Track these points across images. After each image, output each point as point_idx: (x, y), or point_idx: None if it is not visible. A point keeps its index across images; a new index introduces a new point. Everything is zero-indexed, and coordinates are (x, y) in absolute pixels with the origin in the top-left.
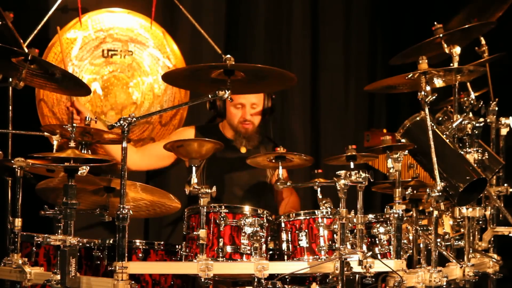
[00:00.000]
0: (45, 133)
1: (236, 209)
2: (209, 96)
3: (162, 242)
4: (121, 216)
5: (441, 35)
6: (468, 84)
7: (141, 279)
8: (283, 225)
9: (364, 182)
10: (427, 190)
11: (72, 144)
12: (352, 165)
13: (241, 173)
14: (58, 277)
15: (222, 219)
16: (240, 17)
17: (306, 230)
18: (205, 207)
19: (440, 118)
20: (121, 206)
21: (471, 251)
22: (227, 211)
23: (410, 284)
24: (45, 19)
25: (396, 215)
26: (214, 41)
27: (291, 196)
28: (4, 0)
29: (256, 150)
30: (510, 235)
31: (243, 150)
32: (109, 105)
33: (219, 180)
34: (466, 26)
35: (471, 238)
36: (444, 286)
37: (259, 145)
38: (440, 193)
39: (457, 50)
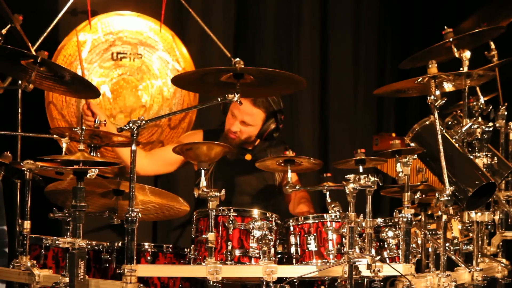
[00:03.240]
0: (54, 136)
1: (245, 213)
2: (218, 99)
3: (170, 245)
4: (130, 219)
5: (451, 39)
6: (478, 88)
7: (150, 282)
8: (291, 228)
9: (373, 186)
10: (436, 194)
11: (81, 146)
12: (361, 169)
13: (250, 176)
14: (67, 279)
15: (231, 222)
16: (249, 20)
17: (315, 234)
18: (214, 210)
19: (450, 123)
20: (130, 209)
21: (479, 255)
22: (236, 214)
23: None
24: (54, 22)
25: (405, 219)
26: (224, 44)
27: (298, 192)
28: (13, 3)
29: (264, 154)
30: None
31: (248, 157)
32: (118, 108)
33: (228, 184)
34: (476, 30)
35: (480, 242)
36: None
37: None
38: (449, 198)
39: (467, 54)
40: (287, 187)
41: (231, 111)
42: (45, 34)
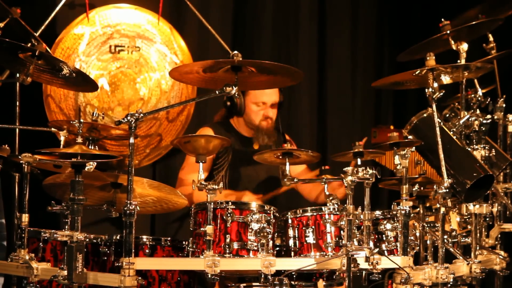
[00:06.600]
0: (52, 129)
1: (243, 205)
2: (216, 92)
3: (169, 238)
4: (128, 212)
5: (448, 32)
6: (476, 80)
7: (148, 275)
8: (290, 221)
9: (371, 179)
10: (434, 186)
11: (79, 139)
12: (359, 161)
13: (256, 168)
14: (65, 272)
15: (229, 215)
16: (247, 13)
17: (313, 227)
18: (212, 203)
19: (447, 115)
20: (128, 202)
21: (478, 248)
22: (234, 207)
23: (417, 281)
24: (52, 15)
25: (403, 212)
26: (221, 37)
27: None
28: None
29: (268, 146)
30: None
31: (256, 146)
32: (116, 101)
33: (240, 177)
34: (474, 22)
35: (478, 235)
36: (451, 283)
37: (277, 140)
38: (447, 190)
39: (464, 46)
40: (285, 179)
41: (255, 103)
42: (43, 27)
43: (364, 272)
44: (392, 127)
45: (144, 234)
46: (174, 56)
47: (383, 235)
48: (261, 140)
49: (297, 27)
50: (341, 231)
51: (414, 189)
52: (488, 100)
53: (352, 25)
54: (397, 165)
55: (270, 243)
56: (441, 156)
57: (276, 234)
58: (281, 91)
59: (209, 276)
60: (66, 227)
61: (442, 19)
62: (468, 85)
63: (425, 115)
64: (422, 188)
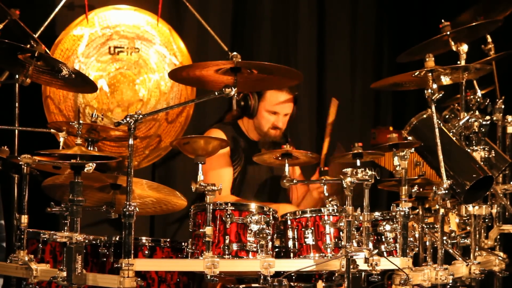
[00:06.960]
0: (52, 130)
1: (242, 207)
2: (215, 93)
3: (168, 239)
4: (127, 213)
5: (448, 33)
6: (475, 82)
7: (147, 276)
8: (289, 222)
9: (370, 180)
10: (434, 188)
11: (78, 141)
12: (358, 162)
13: (260, 168)
14: (64, 274)
15: (228, 216)
16: (247, 14)
17: (312, 228)
18: (211, 205)
19: (447, 116)
20: (128, 203)
21: (477, 249)
22: (233, 208)
23: (416, 282)
24: (51, 16)
25: (402, 213)
26: (221, 38)
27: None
28: None
29: None
30: None
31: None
32: (115, 102)
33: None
34: (473, 24)
35: (477, 236)
36: (450, 284)
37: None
38: (447, 191)
39: (464, 48)
40: (284, 181)
41: (267, 111)
42: (42, 28)
43: (363, 273)
44: (391, 128)
45: (144, 235)
46: (173, 57)
47: (382, 236)
48: (266, 146)
49: (297, 28)
50: (340, 232)
51: (413, 190)
52: (487, 101)
53: (352, 26)
54: (396, 166)
55: (270, 244)
56: (441, 157)
57: (276, 235)
58: (296, 103)
59: (209, 277)
60: (66, 228)
61: (442, 20)
62: (467, 86)
63: (424, 116)
64: (421, 189)
